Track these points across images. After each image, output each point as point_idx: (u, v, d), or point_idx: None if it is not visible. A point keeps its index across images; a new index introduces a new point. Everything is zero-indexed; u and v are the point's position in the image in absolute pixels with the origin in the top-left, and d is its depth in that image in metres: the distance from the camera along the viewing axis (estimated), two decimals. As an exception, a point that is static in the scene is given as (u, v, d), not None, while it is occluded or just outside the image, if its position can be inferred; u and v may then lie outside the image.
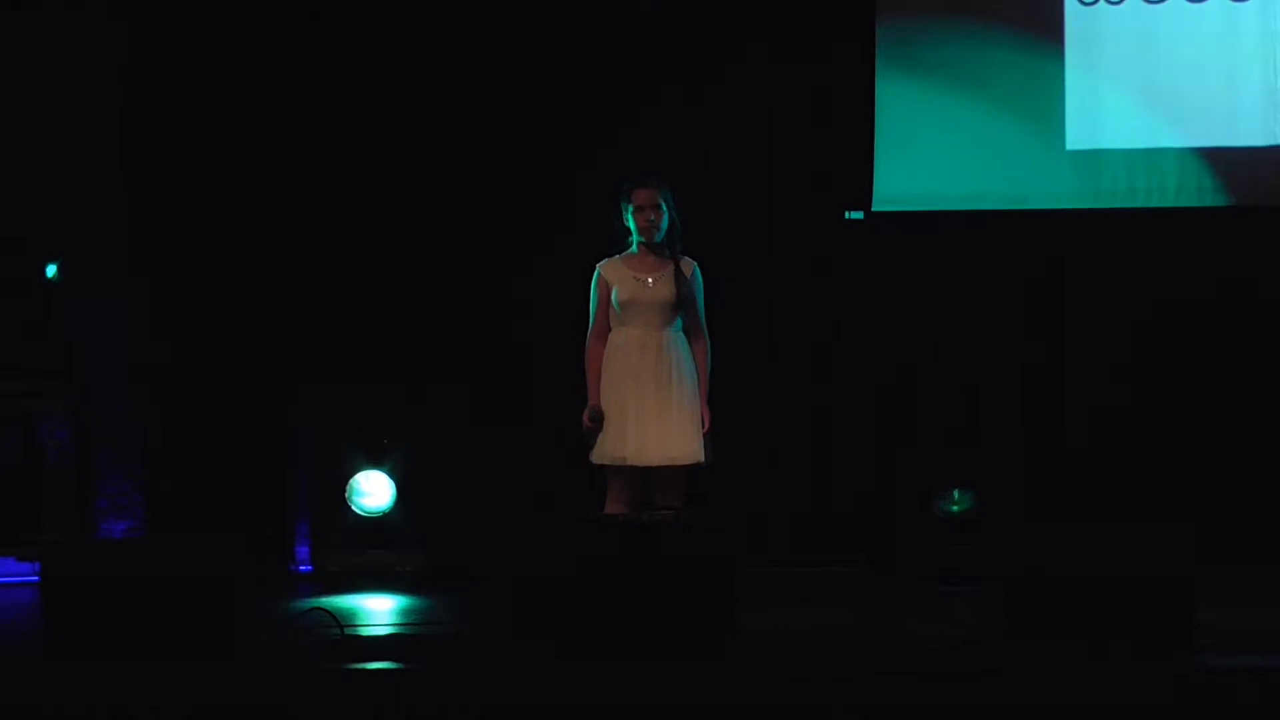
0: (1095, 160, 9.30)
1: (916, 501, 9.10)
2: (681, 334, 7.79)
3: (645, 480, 7.71)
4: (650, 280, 7.76)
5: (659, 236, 7.76)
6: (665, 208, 7.76)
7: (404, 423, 9.20)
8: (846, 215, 9.46)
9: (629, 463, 7.69)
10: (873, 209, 9.40)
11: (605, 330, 7.82)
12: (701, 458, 7.72)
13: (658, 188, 7.79)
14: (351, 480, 9.17)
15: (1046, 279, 9.41)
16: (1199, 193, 9.27)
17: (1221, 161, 9.24)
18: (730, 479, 9.11)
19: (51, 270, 9.28)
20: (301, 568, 9.30)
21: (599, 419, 7.76)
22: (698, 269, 7.83)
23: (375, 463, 9.19)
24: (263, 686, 6.38)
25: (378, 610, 8.29)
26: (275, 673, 6.54)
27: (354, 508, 9.17)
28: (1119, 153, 9.29)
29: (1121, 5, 9.27)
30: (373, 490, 9.20)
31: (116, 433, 9.33)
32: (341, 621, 7.18)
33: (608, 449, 7.73)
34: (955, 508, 9.04)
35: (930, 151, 9.36)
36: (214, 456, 9.22)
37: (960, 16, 9.36)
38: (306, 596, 8.45)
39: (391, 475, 9.19)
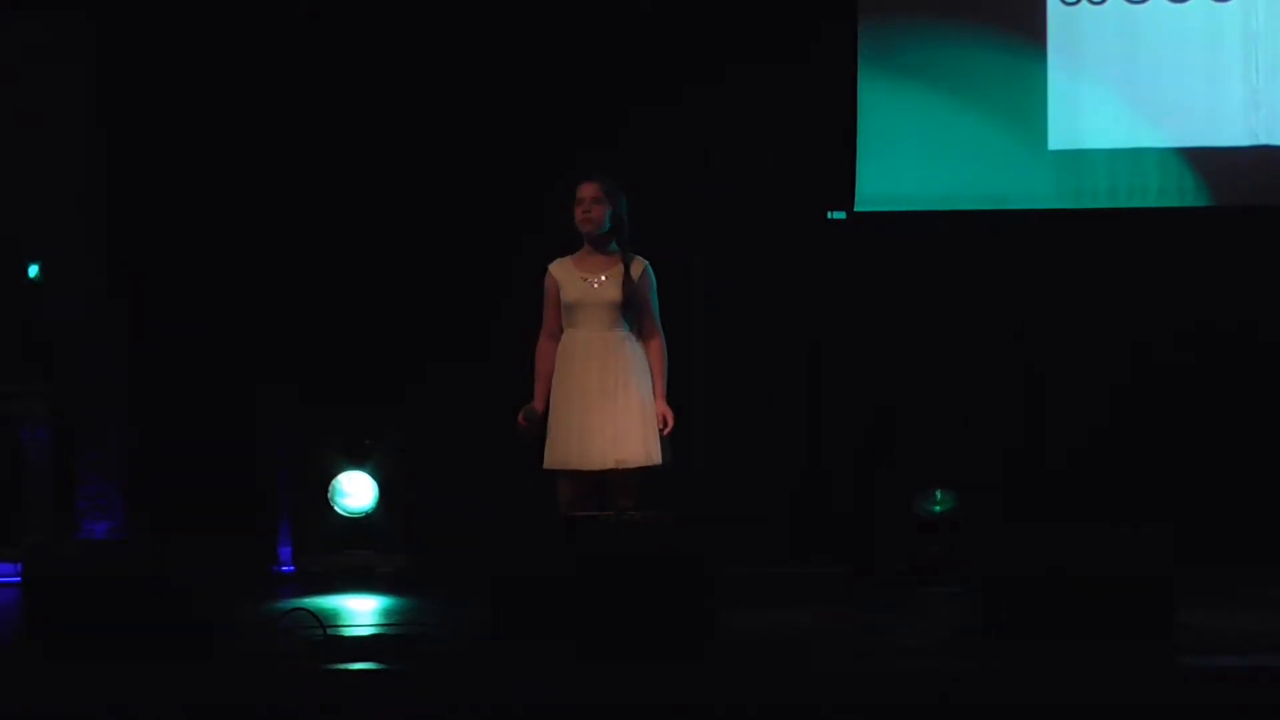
0: (1077, 160, 9.30)
1: (898, 503, 9.11)
2: (631, 335, 7.72)
3: (600, 484, 7.66)
4: (596, 281, 7.70)
5: (598, 231, 7.69)
6: (608, 203, 7.70)
7: (386, 423, 9.20)
8: (829, 215, 9.47)
9: (573, 466, 7.63)
10: (855, 209, 9.40)
11: (555, 330, 7.76)
12: (656, 459, 7.64)
13: (599, 182, 7.72)
14: (333, 481, 9.18)
15: (1028, 279, 9.42)
16: (1180, 193, 9.27)
17: (1203, 162, 9.24)
18: (713, 481, 9.13)
19: (34, 271, 9.27)
20: (284, 568, 9.29)
21: (534, 419, 7.71)
22: (649, 268, 7.75)
23: (357, 463, 9.20)
24: (245, 687, 6.38)
25: (360, 610, 8.28)
26: (257, 673, 6.53)
27: (336, 508, 9.18)
28: (1101, 153, 9.29)
29: (1103, 5, 9.28)
30: (355, 491, 9.20)
31: (97, 434, 9.32)
32: (324, 622, 7.17)
33: (555, 454, 7.67)
34: (938, 508, 9.04)
35: (912, 152, 9.36)
36: (196, 457, 9.21)
37: (942, 17, 9.36)
38: (289, 597, 8.44)
39: (373, 476, 9.19)
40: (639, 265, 7.74)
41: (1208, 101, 9.23)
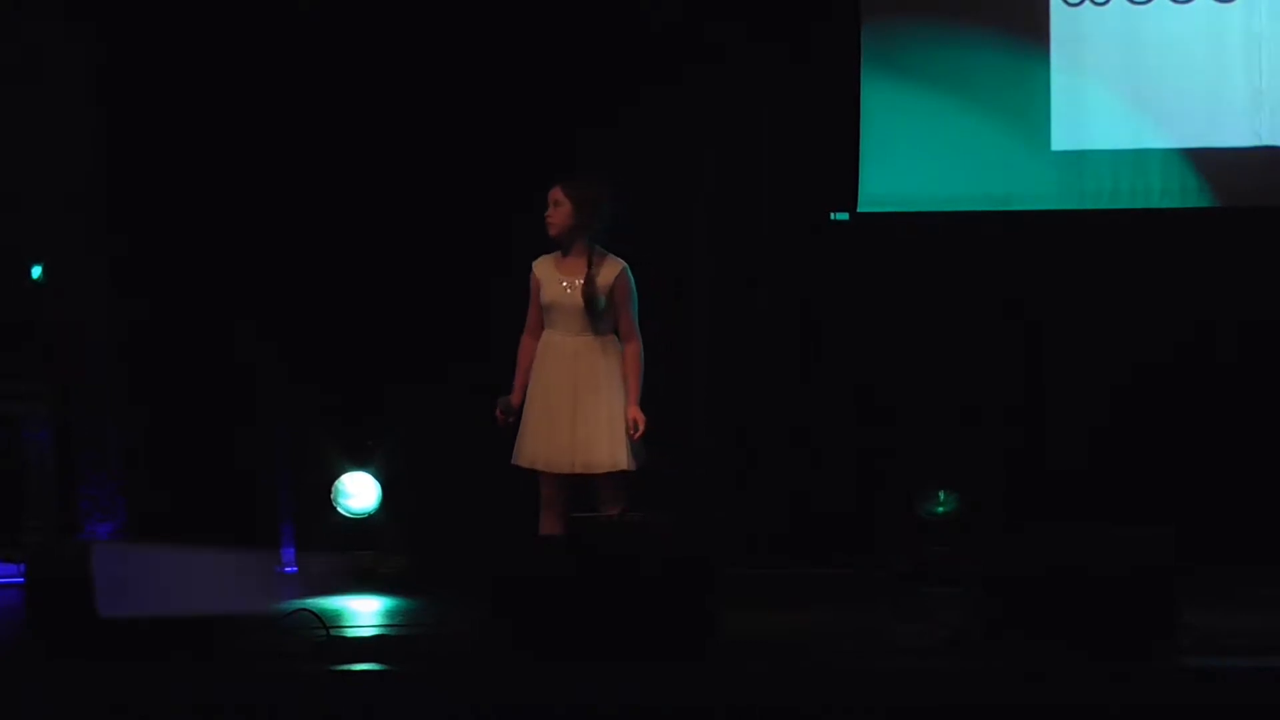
0: (1080, 161, 9.31)
1: (899, 503, 9.11)
2: (606, 339, 7.66)
3: (584, 487, 7.64)
4: (570, 284, 7.66)
5: (559, 234, 7.66)
6: (570, 205, 7.65)
7: (388, 424, 9.21)
8: (832, 216, 9.47)
9: (539, 468, 7.64)
10: (858, 210, 9.41)
11: (536, 327, 7.75)
12: (623, 465, 7.59)
13: (561, 185, 7.68)
14: (336, 482, 9.19)
15: (1031, 280, 9.42)
16: (1183, 194, 9.28)
17: (1206, 162, 9.25)
18: (714, 481, 9.14)
19: (37, 272, 9.28)
20: (287, 569, 9.30)
21: (507, 410, 7.70)
22: (627, 271, 7.68)
23: (360, 464, 9.21)
24: (247, 688, 6.38)
25: (363, 611, 8.29)
26: (259, 674, 6.54)
27: (339, 509, 9.19)
28: (1104, 154, 9.30)
29: (1107, 6, 9.28)
30: (358, 492, 9.21)
31: (98, 434, 9.32)
32: (327, 623, 7.18)
33: (523, 452, 7.68)
34: (940, 509, 9.05)
35: (916, 153, 9.37)
36: (198, 458, 9.23)
37: (946, 18, 9.37)
38: (291, 597, 8.44)
39: (376, 477, 9.20)
40: (612, 269, 7.68)
41: (1211, 102, 9.23)
